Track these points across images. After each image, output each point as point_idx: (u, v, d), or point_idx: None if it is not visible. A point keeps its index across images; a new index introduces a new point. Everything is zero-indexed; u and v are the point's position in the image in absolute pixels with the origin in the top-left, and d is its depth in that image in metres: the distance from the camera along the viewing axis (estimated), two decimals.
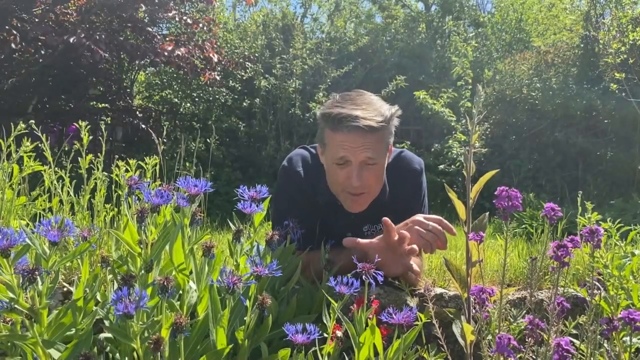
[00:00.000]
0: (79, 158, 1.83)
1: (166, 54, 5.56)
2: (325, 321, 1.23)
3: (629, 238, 1.34)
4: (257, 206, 1.38)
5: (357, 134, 1.49)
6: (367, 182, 1.55)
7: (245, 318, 1.14)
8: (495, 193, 1.09)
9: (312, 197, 1.66)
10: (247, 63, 7.46)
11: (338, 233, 1.59)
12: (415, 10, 10.38)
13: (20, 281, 0.97)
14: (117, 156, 2.18)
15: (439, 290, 1.66)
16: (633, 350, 1.12)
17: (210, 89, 7.34)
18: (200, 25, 6.35)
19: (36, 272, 0.98)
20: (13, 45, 5.02)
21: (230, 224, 1.37)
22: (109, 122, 6.28)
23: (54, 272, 1.05)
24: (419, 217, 1.52)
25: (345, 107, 1.53)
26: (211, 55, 6.07)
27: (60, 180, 1.82)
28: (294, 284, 1.41)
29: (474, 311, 1.17)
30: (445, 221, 1.52)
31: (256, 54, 7.96)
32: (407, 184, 1.68)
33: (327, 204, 1.65)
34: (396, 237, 1.43)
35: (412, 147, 7.78)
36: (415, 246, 1.44)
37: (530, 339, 1.07)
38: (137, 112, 6.35)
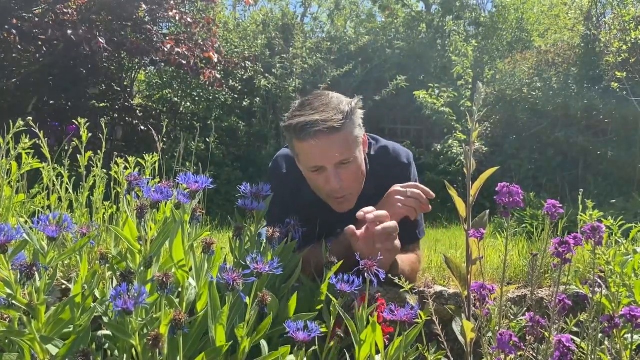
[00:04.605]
0: (78, 155, 1.82)
1: (166, 52, 5.56)
2: (325, 319, 1.23)
3: (631, 236, 1.34)
4: (258, 203, 1.38)
5: (321, 138, 1.48)
6: (347, 184, 1.55)
7: (245, 315, 1.14)
8: (496, 189, 1.09)
9: (299, 196, 1.66)
10: (247, 62, 7.46)
11: (328, 230, 1.59)
12: (415, 10, 10.37)
13: (18, 277, 0.97)
14: (116, 154, 2.17)
15: (438, 288, 1.66)
16: (634, 347, 1.12)
17: (211, 88, 7.34)
18: (201, 24, 6.34)
19: (34, 268, 0.97)
20: (13, 45, 5.01)
21: (231, 221, 1.36)
22: (109, 120, 6.28)
23: (52, 268, 1.04)
24: (397, 187, 1.56)
25: (304, 114, 1.52)
26: (211, 54, 6.07)
27: (59, 178, 1.81)
28: (295, 281, 1.40)
29: (474, 309, 1.16)
30: (422, 185, 1.56)
31: (256, 53, 7.96)
32: (395, 178, 1.67)
33: (315, 202, 1.65)
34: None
35: (412, 147, 7.78)
36: (389, 224, 1.44)
37: (530, 336, 1.07)
38: (138, 112, 6.34)
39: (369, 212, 1.44)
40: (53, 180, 1.81)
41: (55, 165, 1.83)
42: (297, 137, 1.51)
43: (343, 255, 1.40)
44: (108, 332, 1.12)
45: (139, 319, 1.00)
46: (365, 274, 1.20)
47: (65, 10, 5.37)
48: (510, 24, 10.09)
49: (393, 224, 1.44)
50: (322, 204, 1.65)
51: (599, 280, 1.17)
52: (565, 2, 8.59)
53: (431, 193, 1.55)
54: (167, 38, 6.05)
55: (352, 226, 1.46)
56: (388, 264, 1.45)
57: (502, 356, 1.01)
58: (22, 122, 1.72)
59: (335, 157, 1.50)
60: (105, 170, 1.84)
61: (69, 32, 4.91)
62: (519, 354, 1.05)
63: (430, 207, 1.56)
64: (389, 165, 1.68)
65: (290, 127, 1.53)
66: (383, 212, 1.45)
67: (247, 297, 1.11)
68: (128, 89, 6.84)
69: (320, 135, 1.47)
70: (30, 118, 1.78)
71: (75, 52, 5.14)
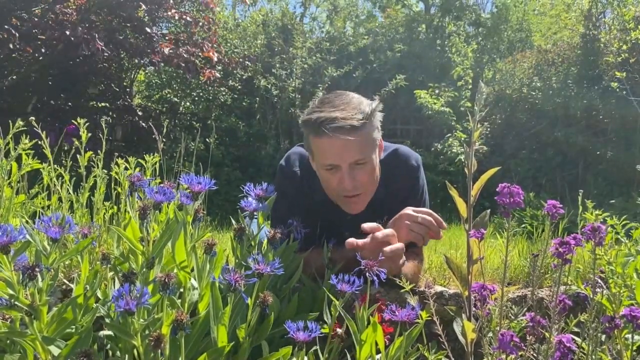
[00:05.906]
0: (78, 156, 1.82)
1: (165, 53, 5.56)
2: (326, 319, 1.23)
3: (634, 236, 1.33)
4: (260, 204, 1.38)
5: (340, 136, 1.46)
6: (360, 183, 1.53)
7: (247, 316, 1.14)
8: (497, 189, 1.09)
9: (309, 196, 1.65)
10: (247, 62, 7.46)
11: (336, 231, 1.58)
12: (415, 10, 10.38)
13: (20, 278, 0.97)
14: (116, 154, 2.18)
15: (439, 289, 1.66)
16: (635, 348, 1.12)
17: (210, 88, 7.33)
18: (200, 24, 6.34)
19: (36, 269, 0.97)
20: (12, 45, 5.01)
21: (233, 221, 1.36)
22: (109, 120, 6.28)
23: (54, 269, 1.04)
24: (408, 210, 1.51)
25: (324, 110, 1.50)
26: (211, 54, 6.06)
27: (60, 178, 1.81)
28: (296, 282, 1.41)
29: (474, 309, 1.16)
30: (436, 214, 1.50)
31: (256, 53, 7.95)
32: (403, 181, 1.66)
33: (324, 203, 1.64)
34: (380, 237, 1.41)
35: (412, 147, 7.69)
36: (396, 246, 1.41)
37: (531, 336, 1.07)
38: (137, 111, 6.34)
39: (376, 229, 1.43)
40: (53, 181, 1.81)
41: (55, 166, 1.83)
42: (315, 132, 1.50)
43: (344, 265, 1.40)
44: (110, 333, 1.12)
45: (141, 319, 1.00)
46: (367, 274, 1.20)
47: (64, 10, 5.37)
48: (510, 24, 10.09)
49: (400, 245, 1.42)
50: (331, 203, 1.64)
51: (599, 281, 1.17)
52: (566, 2, 8.60)
53: (444, 224, 1.50)
54: (167, 38, 6.05)
55: (352, 239, 1.43)
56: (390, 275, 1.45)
57: (503, 356, 1.02)
58: (21, 122, 1.72)
59: (351, 157, 1.49)
60: (105, 171, 1.83)
61: (67, 32, 4.91)
62: (519, 354, 1.05)
63: (441, 235, 1.51)
64: (398, 167, 1.67)
65: (309, 122, 1.51)
66: (390, 231, 1.43)
67: (249, 298, 1.11)
68: (127, 89, 6.84)
69: (339, 132, 1.45)
70: (33, 118, 1.78)
71: (75, 53, 5.15)
